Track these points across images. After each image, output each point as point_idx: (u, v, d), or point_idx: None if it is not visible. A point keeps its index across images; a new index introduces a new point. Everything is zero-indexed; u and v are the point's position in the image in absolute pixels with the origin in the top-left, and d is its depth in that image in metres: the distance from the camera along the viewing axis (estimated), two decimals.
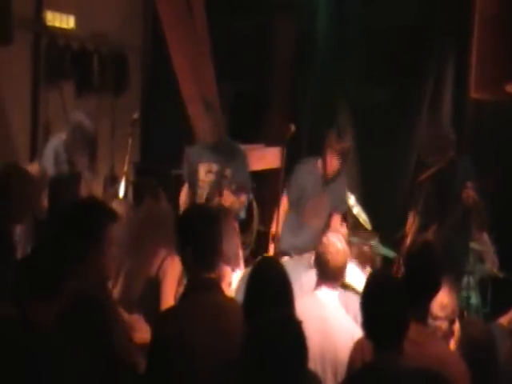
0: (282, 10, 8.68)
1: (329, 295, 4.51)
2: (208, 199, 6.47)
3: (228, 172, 6.59)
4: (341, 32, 8.04)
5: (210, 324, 3.77)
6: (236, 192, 6.43)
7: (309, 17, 8.28)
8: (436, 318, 4.22)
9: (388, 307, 3.50)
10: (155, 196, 6.03)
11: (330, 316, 4.42)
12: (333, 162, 6.52)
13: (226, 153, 6.68)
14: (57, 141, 6.72)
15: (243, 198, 6.64)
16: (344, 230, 6.24)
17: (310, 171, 6.57)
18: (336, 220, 6.59)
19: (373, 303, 3.57)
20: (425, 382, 3.16)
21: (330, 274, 4.53)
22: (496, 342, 4.31)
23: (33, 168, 6.12)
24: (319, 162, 6.54)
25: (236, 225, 6.07)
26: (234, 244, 5.41)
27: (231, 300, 4.21)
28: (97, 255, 4.09)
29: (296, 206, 6.52)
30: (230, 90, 8.49)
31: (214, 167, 6.65)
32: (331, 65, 8.08)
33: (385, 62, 7.69)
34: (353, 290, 4.95)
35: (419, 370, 3.28)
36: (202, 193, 6.59)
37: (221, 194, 6.36)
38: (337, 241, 4.59)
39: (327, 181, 6.59)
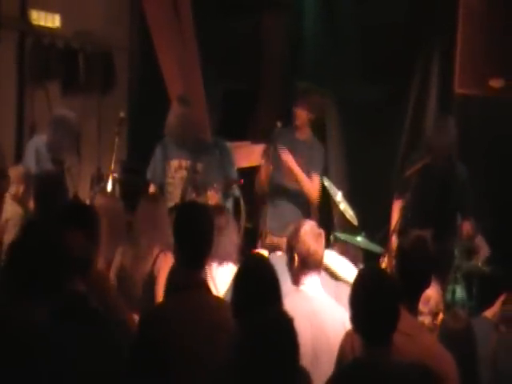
0: (273, 9, 8.70)
1: (314, 287, 4.45)
2: (183, 197, 6.44)
3: (200, 167, 6.61)
4: (332, 30, 8.03)
5: (196, 323, 3.77)
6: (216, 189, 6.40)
7: (299, 15, 8.23)
8: (419, 313, 4.22)
9: (380, 305, 3.49)
10: (152, 196, 6.07)
11: (320, 309, 4.38)
12: (301, 114, 6.55)
13: (197, 148, 6.69)
14: (38, 140, 6.76)
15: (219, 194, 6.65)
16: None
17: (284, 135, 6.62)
18: (315, 178, 6.59)
19: (365, 300, 3.55)
20: (417, 377, 3.21)
21: (312, 264, 4.46)
22: (475, 334, 4.31)
23: (17, 170, 6.28)
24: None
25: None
26: (230, 241, 5.38)
27: (218, 299, 4.22)
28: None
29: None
30: (221, 89, 8.52)
31: (184, 163, 6.67)
32: (322, 63, 8.04)
33: (376, 60, 7.69)
34: (344, 281, 4.87)
35: (411, 365, 3.32)
36: (172, 191, 6.55)
37: (196, 191, 6.35)
38: (314, 228, 4.52)
39: (298, 142, 6.61)
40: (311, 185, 6.62)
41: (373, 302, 3.50)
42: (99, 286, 4.34)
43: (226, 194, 6.83)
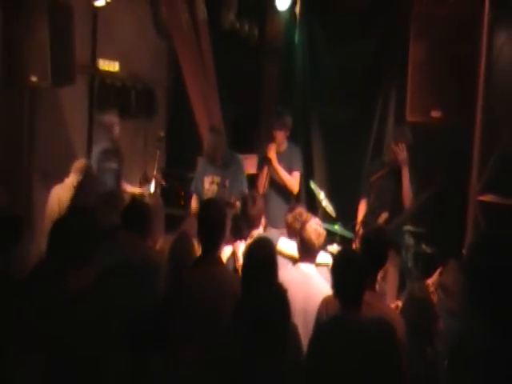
0: (271, 54, 8.76)
1: (309, 267, 4.50)
2: None
3: (227, 183, 6.44)
4: (315, 70, 8.02)
5: (209, 287, 3.84)
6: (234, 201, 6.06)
7: (291, 59, 8.24)
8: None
9: (353, 275, 3.57)
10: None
11: (311, 282, 4.42)
12: (279, 134, 6.51)
13: (225, 165, 6.51)
14: (98, 148, 6.94)
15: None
16: None
17: None
18: (296, 175, 6.57)
19: (342, 271, 3.63)
20: (378, 328, 3.30)
21: (312, 253, 4.52)
22: (433, 302, 4.21)
23: (79, 162, 6.28)
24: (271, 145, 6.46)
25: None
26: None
27: (229, 271, 4.28)
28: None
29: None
30: (233, 114, 8.56)
31: (216, 179, 6.52)
32: (307, 94, 8.08)
33: (348, 91, 7.70)
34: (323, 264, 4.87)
35: (374, 320, 3.42)
36: None
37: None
38: (318, 227, 4.55)
39: (279, 154, 6.52)
40: (292, 181, 6.55)
41: (346, 272, 3.60)
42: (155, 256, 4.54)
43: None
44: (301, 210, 5.02)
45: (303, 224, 4.56)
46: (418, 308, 3.98)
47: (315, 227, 4.53)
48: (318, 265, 4.79)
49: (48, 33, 6.01)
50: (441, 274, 4.53)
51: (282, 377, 3.10)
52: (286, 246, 4.97)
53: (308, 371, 3.38)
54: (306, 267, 4.52)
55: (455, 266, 4.38)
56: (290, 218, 5.08)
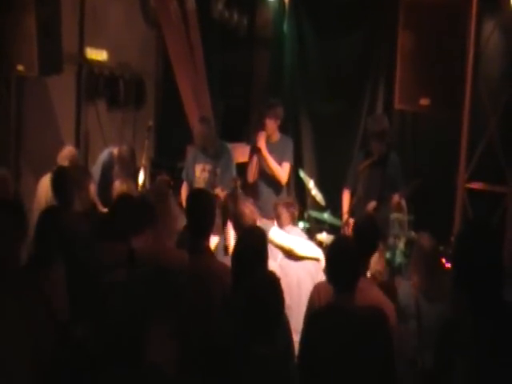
0: (261, 47, 8.80)
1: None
2: None
3: (218, 171, 6.43)
4: (304, 63, 8.07)
5: (198, 276, 3.78)
6: (223, 189, 6.07)
7: (280, 52, 8.26)
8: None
9: (347, 261, 3.56)
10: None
11: (303, 267, 4.54)
12: (270, 123, 6.48)
13: (216, 155, 6.51)
14: (106, 156, 6.70)
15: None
16: None
17: None
18: (285, 165, 6.53)
19: (336, 258, 3.62)
20: (371, 315, 3.40)
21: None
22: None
23: (67, 150, 6.11)
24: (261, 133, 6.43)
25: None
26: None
27: (218, 261, 4.13)
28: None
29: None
30: (222, 104, 8.55)
31: (208, 167, 6.52)
32: (297, 86, 8.12)
33: (337, 83, 7.75)
34: (304, 257, 4.89)
35: (367, 307, 3.49)
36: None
37: (213, 188, 6.09)
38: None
39: (271, 145, 6.49)
40: (281, 171, 6.50)
41: (341, 259, 3.59)
42: None
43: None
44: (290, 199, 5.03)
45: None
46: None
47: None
48: (306, 258, 4.84)
49: (35, 22, 5.90)
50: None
51: (273, 363, 3.11)
52: (278, 235, 4.95)
53: (301, 356, 3.44)
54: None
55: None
56: (279, 208, 5.09)
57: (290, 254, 4.88)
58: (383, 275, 4.37)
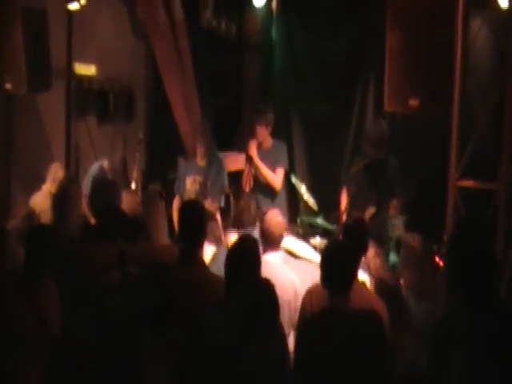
0: (252, 49, 8.79)
1: (274, 257, 4.48)
2: None
3: (208, 183, 6.42)
4: (294, 65, 8.08)
5: (190, 285, 3.78)
6: (213, 200, 6.18)
7: (271, 54, 8.30)
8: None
9: (342, 263, 3.61)
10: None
11: (277, 271, 4.38)
12: (261, 131, 6.49)
13: (208, 166, 6.47)
14: (96, 169, 6.73)
15: (217, 204, 6.46)
16: None
17: None
18: (279, 172, 6.54)
19: (331, 261, 3.64)
20: (367, 318, 3.42)
21: (274, 242, 4.50)
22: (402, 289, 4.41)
23: (56, 168, 6.14)
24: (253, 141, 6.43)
25: (218, 217, 6.14)
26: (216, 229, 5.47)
27: (210, 272, 4.12)
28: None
29: None
30: (214, 107, 8.49)
31: (198, 178, 6.50)
32: (287, 88, 8.13)
33: (327, 85, 7.76)
34: (303, 258, 4.93)
35: (363, 310, 3.53)
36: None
37: (204, 200, 6.07)
38: (276, 215, 4.57)
39: (263, 152, 6.50)
40: (275, 178, 6.51)
41: (336, 262, 3.63)
42: None
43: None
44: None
45: (262, 216, 4.59)
46: (389, 294, 4.13)
47: (273, 216, 4.55)
48: (300, 258, 4.91)
49: (22, 38, 5.90)
50: None
51: (268, 366, 3.15)
52: (294, 244, 5.03)
53: (297, 358, 3.48)
54: (271, 258, 4.50)
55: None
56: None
57: (290, 255, 4.92)
58: (387, 280, 4.38)
